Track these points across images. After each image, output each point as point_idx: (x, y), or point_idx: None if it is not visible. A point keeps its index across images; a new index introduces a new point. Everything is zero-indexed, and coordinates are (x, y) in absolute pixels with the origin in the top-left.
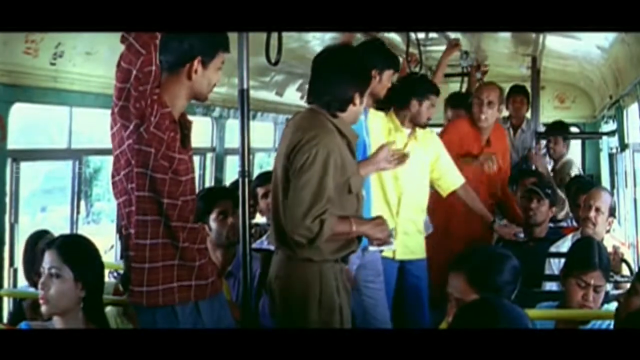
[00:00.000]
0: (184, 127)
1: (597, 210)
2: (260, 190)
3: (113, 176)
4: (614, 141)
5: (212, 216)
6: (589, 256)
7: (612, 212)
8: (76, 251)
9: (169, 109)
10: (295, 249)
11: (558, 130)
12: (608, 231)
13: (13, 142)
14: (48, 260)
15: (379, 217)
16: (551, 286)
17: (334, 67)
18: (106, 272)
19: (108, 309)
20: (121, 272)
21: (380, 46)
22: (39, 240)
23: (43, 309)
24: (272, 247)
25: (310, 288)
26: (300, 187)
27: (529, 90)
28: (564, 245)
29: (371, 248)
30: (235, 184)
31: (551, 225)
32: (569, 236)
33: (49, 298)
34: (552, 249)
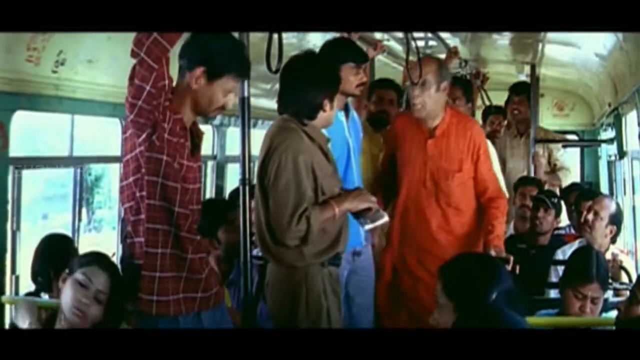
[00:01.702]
0: (195, 136)
1: (596, 214)
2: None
3: (121, 180)
4: (613, 149)
5: (222, 229)
6: (587, 268)
7: (614, 221)
8: (117, 280)
9: (180, 115)
10: (278, 256)
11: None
12: (614, 242)
13: (15, 150)
14: (98, 282)
15: (356, 188)
16: (556, 293)
17: (299, 76)
18: None
19: None
20: None
21: (334, 42)
22: (56, 244)
23: (72, 319)
24: None
25: (296, 292)
26: (279, 194)
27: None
28: (570, 250)
29: (367, 227)
30: (235, 191)
31: None
32: (576, 242)
33: (87, 316)
34: (559, 254)
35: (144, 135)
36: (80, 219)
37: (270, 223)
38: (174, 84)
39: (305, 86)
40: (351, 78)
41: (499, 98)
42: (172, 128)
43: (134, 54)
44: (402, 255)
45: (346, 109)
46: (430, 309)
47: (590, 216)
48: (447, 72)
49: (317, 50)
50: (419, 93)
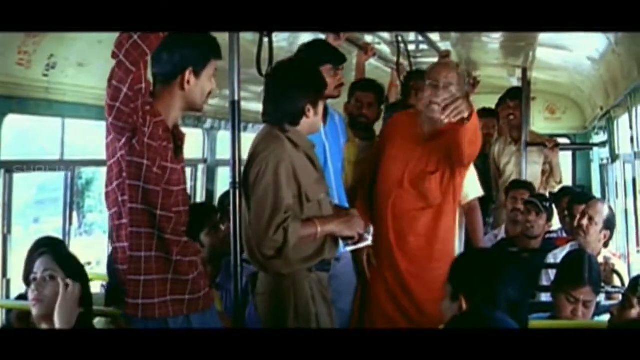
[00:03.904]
0: (177, 139)
1: (590, 219)
2: None
3: (106, 186)
4: (605, 152)
5: (205, 232)
6: (579, 272)
7: (608, 225)
8: (66, 254)
9: (161, 117)
10: (265, 264)
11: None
12: (606, 245)
13: (6, 153)
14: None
15: (348, 212)
16: (547, 297)
17: (280, 83)
18: (98, 283)
19: (97, 319)
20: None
21: (311, 44)
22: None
23: (35, 310)
24: None
25: (284, 300)
26: (257, 200)
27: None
28: (562, 254)
29: (347, 248)
30: (226, 195)
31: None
32: (567, 245)
33: (43, 298)
34: (550, 257)
35: (124, 140)
36: (71, 223)
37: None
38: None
39: (285, 92)
40: (329, 80)
41: (490, 101)
42: (152, 132)
43: (114, 56)
44: (376, 254)
45: (325, 112)
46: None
47: (585, 221)
48: (463, 79)
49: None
50: (442, 93)
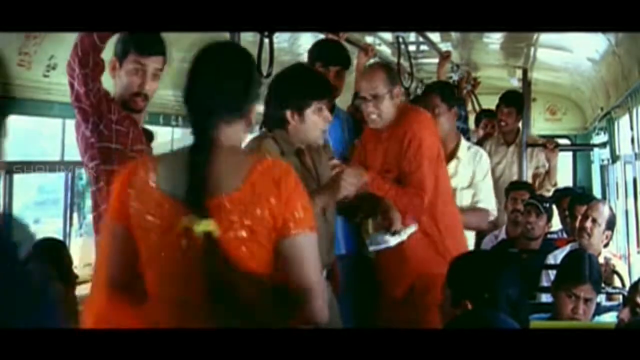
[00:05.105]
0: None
1: (594, 221)
2: None
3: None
4: (605, 153)
5: None
6: (579, 269)
7: (610, 226)
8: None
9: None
10: None
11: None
12: (606, 245)
13: (6, 155)
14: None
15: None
16: (547, 297)
17: (270, 87)
18: None
19: None
20: None
21: (317, 41)
22: (49, 248)
23: None
24: None
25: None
26: None
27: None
28: (562, 255)
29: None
30: None
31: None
32: (567, 246)
33: None
34: (550, 259)
35: (90, 125)
36: (71, 224)
37: None
38: None
39: (269, 97)
40: (332, 81)
41: (491, 102)
42: (119, 119)
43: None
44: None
45: (332, 112)
46: None
47: (588, 223)
48: (395, 76)
49: (305, 55)
50: (373, 107)
